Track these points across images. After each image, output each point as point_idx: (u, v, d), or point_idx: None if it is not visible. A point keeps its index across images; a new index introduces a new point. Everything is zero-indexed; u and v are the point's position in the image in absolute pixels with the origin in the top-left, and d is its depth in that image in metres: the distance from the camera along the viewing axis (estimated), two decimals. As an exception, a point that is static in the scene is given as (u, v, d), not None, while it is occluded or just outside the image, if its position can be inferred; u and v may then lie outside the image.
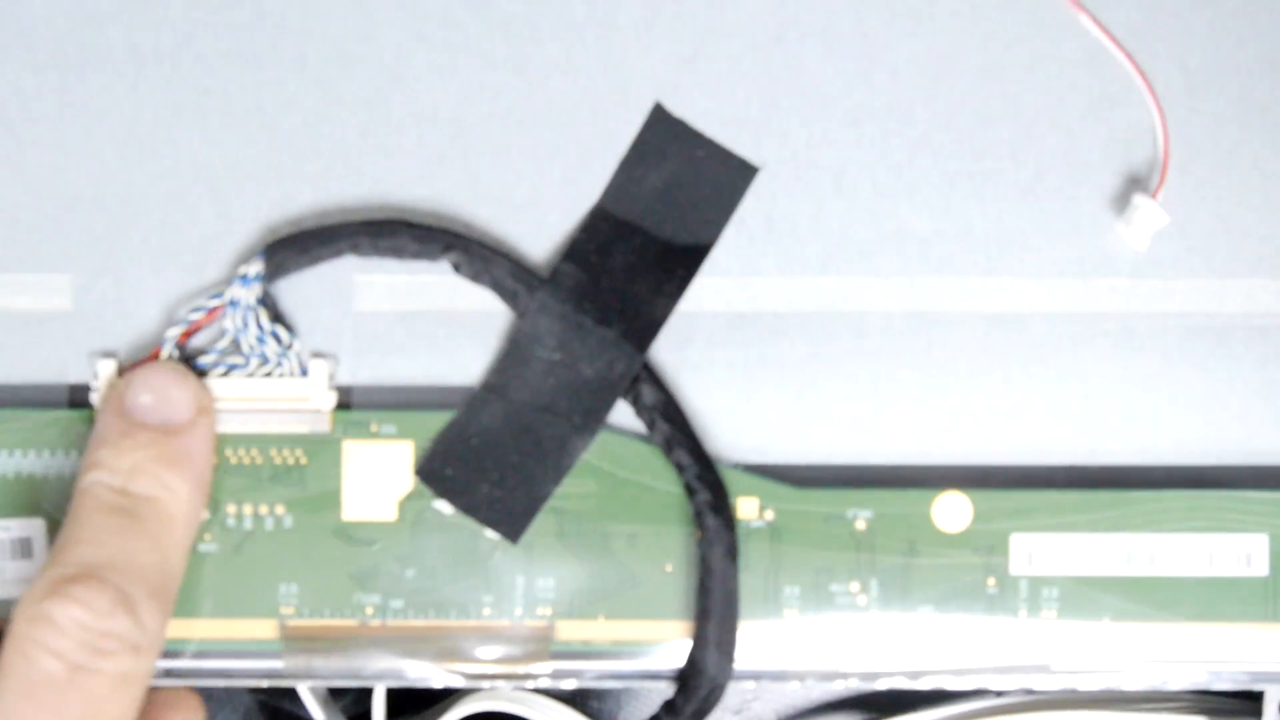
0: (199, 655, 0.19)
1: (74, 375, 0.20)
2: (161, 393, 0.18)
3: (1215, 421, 0.20)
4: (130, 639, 0.17)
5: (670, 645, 0.21)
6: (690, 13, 0.20)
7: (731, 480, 0.21)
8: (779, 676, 0.20)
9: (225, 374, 0.19)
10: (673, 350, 0.21)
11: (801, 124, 0.20)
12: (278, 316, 0.20)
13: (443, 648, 0.21)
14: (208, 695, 0.21)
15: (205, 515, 0.19)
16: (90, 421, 0.20)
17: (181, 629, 0.20)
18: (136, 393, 0.19)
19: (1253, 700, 0.22)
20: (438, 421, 0.20)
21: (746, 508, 0.21)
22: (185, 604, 0.19)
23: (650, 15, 0.20)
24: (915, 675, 0.21)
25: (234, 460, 0.20)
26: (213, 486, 0.20)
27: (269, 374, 0.20)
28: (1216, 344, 0.20)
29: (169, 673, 0.20)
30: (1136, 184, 0.20)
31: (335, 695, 0.23)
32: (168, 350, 0.19)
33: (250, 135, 0.20)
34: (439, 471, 0.20)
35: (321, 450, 0.20)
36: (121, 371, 0.19)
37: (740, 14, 0.20)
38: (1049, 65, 0.20)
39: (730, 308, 0.20)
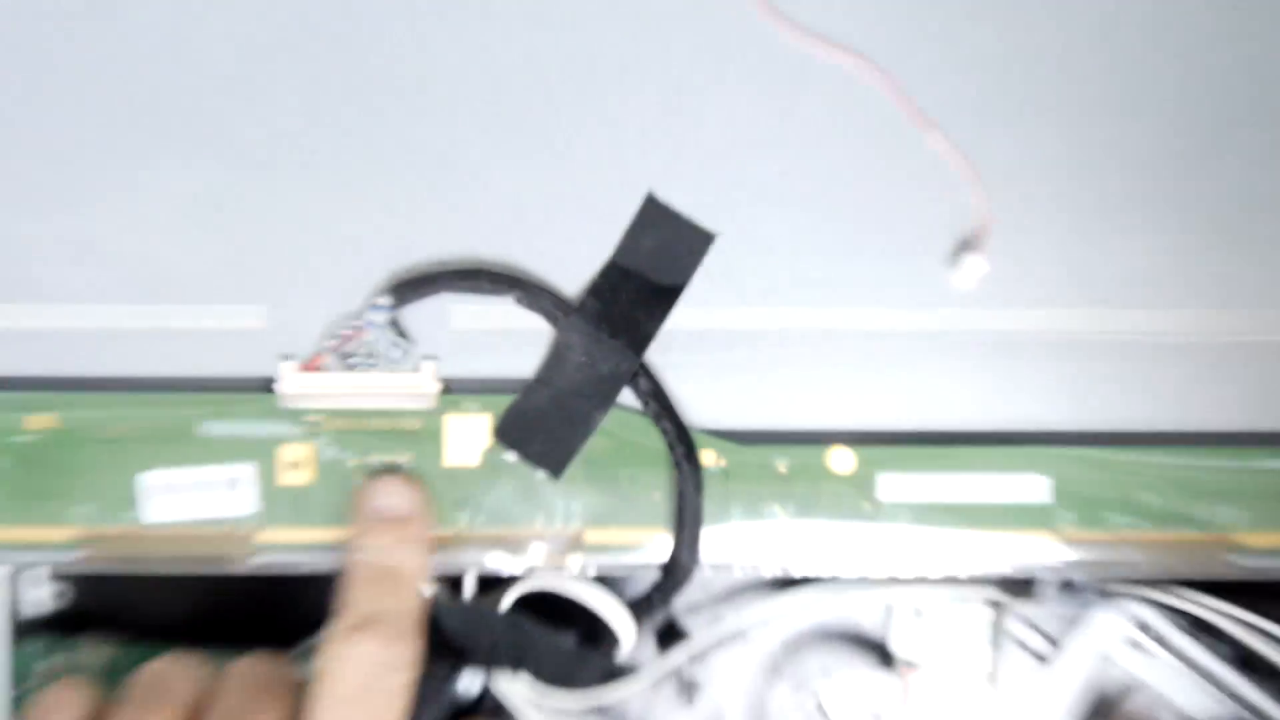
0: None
1: (267, 372, 0.27)
2: (397, 497, 0.26)
3: (1018, 402, 0.27)
4: (405, 660, 0.25)
5: (658, 546, 0.27)
6: (663, 141, 0.27)
7: (699, 439, 0.27)
8: (725, 568, 0.27)
9: (365, 370, 0.27)
10: (659, 354, 0.27)
11: (731, 205, 0.27)
12: (401, 332, 0.27)
13: (510, 546, 0.27)
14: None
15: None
16: (274, 405, 0.26)
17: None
18: (381, 498, 0.27)
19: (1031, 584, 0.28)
20: (506, 401, 0.27)
21: (708, 457, 0.27)
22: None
23: (648, 135, 0.27)
24: (817, 567, 0.27)
25: (375, 426, 0.27)
26: (360, 440, 0.27)
27: (394, 370, 0.27)
28: (1018, 352, 0.27)
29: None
30: (967, 245, 0.27)
31: (441, 580, 0.29)
32: (328, 354, 0.27)
33: (387, 211, 0.27)
34: (508, 433, 0.27)
35: (430, 420, 0.27)
36: (303, 368, 0.27)
37: (694, 133, 0.27)
38: (900, 174, 0.27)
39: (696, 326, 0.27)
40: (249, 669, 0.26)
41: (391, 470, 0.27)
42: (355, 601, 0.26)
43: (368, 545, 0.27)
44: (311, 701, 0.25)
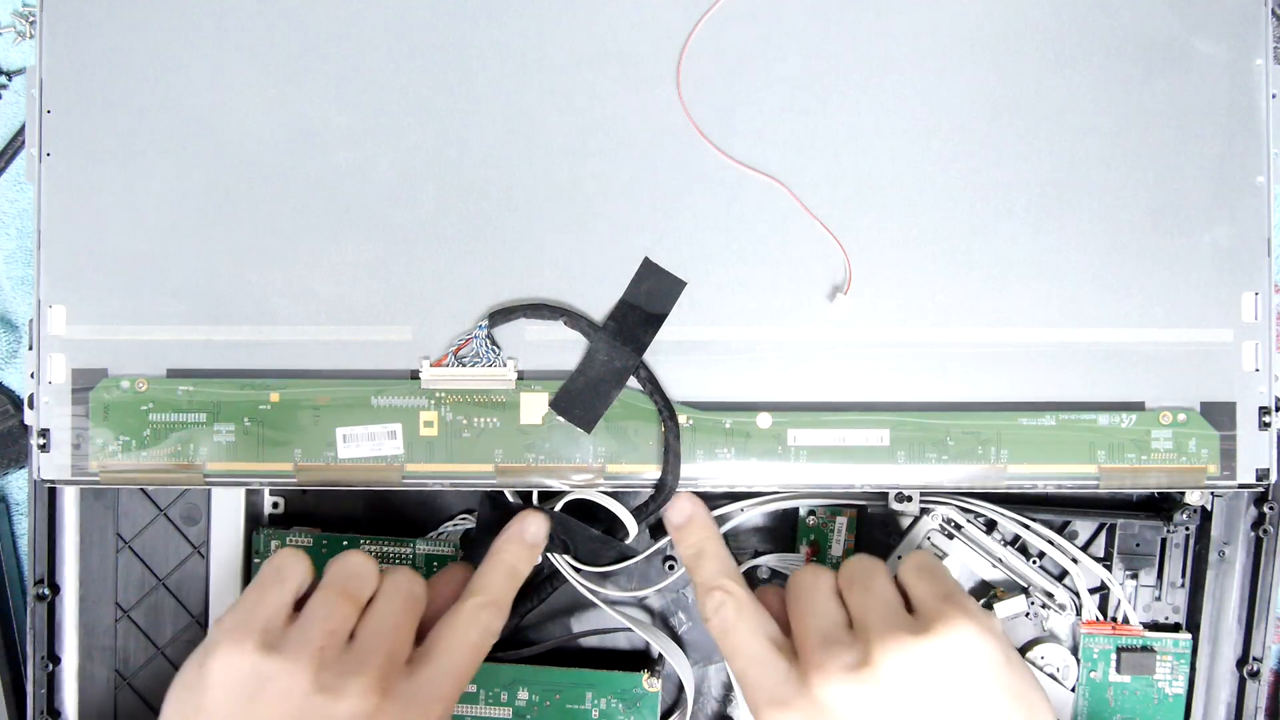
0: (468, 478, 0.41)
1: (413, 366, 0.41)
2: (536, 528, 0.40)
3: (870, 384, 0.40)
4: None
5: (652, 473, 0.40)
6: (653, 227, 0.41)
7: (677, 407, 0.40)
8: (693, 486, 0.40)
9: (472, 366, 0.42)
10: (652, 354, 0.41)
11: (693, 264, 0.41)
12: (495, 342, 0.42)
13: (560, 474, 0.40)
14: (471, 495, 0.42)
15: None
16: (417, 387, 0.40)
17: (470, 468, 0.41)
18: (530, 526, 0.40)
19: (883, 498, 0.42)
20: (558, 384, 0.40)
21: (683, 419, 0.40)
22: (470, 456, 0.40)
23: (644, 223, 0.41)
24: (751, 486, 0.40)
25: (478, 400, 0.42)
26: (468, 409, 0.42)
27: (490, 366, 0.42)
28: (870, 353, 0.41)
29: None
30: (838, 287, 0.42)
31: (517, 494, 0.43)
32: (450, 355, 0.42)
33: (486, 269, 0.41)
34: (559, 404, 0.40)
35: (511, 396, 0.41)
36: (434, 364, 0.42)
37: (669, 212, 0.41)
38: (798, 244, 0.40)
39: (676, 338, 0.41)
40: (404, 582, 0.37)
41: (538, 512, 0.41)
42: (488, 586, 0.38)
43: (511, 550, 0.40)
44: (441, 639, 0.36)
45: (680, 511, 0.40)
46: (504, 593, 0.38)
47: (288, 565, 0.37)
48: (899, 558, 0.42)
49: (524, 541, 0.40)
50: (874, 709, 0.32)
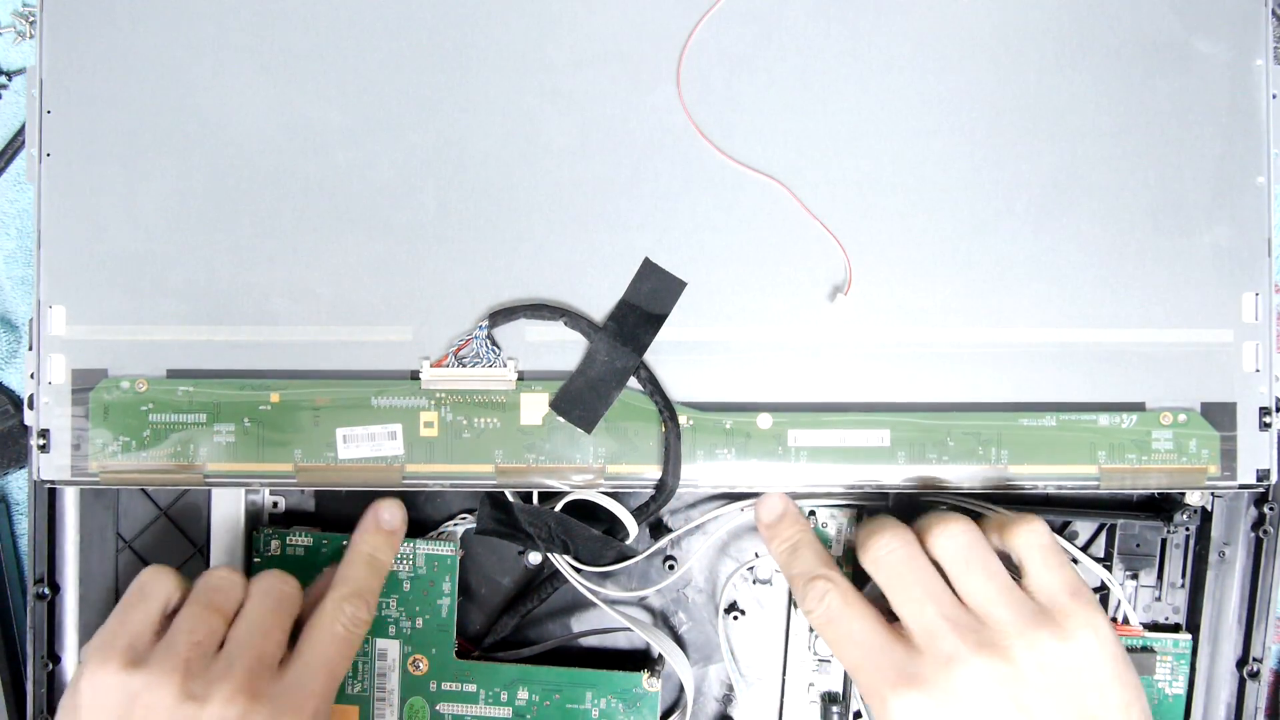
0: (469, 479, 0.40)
1: (413, 366, 0.40)
2: (391, 514, 0.40)
3: (871, 383, 0.40)
4: (368, 622, 0.38)
5: (651, 474, 0.40)
6: (653, 227, 0.41)
7: (677, 408, 0.40)
8: (693, 486, 0.40)
9: (472, 366, 0.42)
10: (653, 355, 0.41)
11: (694, 265, 0.40)
12: (495, 342, 0.42)
13: (560, 474, 0.40)
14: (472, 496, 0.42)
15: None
16: (417, 387, 0.40)
17: (470, 468, 0.41)
18: (384, 512, 0.40)
19: (885, 498, 0.42)
20: (558, 385, 0.40)
21: (683, 420, 0.40)
22: (470, 456, 0.40)
23: (644, 224, 0.41)
24: (751, 487, 0.40)
25: (479, 401, 0.42)
26: (468, 409, 0.42)
27: (490, 366, 0.42)
28: (870, 352, 0.41)
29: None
30: (838, 287, 0.42)
31: (517, 495, 0.42)
32: (450, 356, 0.42)
33: (487, 269, 0.40)
34: (559, 404, 0.41)
35: (511, 397, 0.41)
36: (434, 365, 0.42)
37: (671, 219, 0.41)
38: (798, 244, 0.40)
39: (676, 338, 0.41)
40: (270, 584, 0.37)
41: (390, 498, 0.41)
42: (349, 577, 0.38)
43: (367, 540, 0.40)
44: (308, 636, 0.37)
45: (772, 509, 0.40)
46: (365, 581, 0.39)
47: (151, 583, 0.37)
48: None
49: (379, 529, 0.40)
50: (1007, 699, 0.33)
